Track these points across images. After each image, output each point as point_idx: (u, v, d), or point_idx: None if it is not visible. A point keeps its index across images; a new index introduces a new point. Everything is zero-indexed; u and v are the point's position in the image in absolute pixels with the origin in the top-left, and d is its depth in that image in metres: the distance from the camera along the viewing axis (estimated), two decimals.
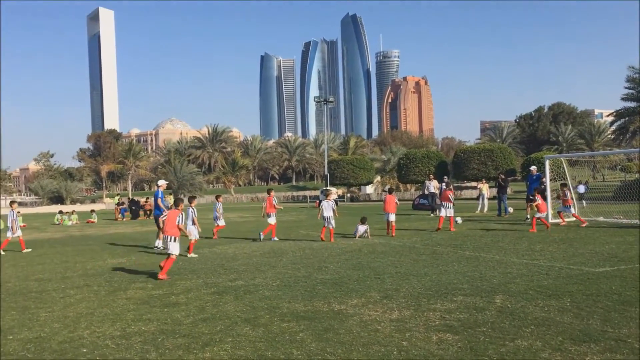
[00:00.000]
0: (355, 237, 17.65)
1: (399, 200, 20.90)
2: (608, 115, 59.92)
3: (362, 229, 17.79)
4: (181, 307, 8.45)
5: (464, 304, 7.97)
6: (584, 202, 22.86)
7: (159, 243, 16.98)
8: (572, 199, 20.31)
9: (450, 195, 19.52)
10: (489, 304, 7.87)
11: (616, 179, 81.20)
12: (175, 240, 11.55)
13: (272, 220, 18.06)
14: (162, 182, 18.08)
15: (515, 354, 5.72)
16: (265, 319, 7.50)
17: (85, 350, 6.46)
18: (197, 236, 15.61)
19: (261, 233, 18.06)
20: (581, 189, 30.75)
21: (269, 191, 18.96)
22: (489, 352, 5.81)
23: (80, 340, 6.91)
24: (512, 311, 7.43)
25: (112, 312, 8.33)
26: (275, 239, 17.92)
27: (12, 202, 18.63)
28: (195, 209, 15.82)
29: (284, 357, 5.89)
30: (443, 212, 19.32)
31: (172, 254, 11.50)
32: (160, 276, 11.15)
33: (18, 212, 19.05)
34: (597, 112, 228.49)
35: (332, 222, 17.14)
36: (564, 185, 20.37)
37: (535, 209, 18.29)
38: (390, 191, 19.51)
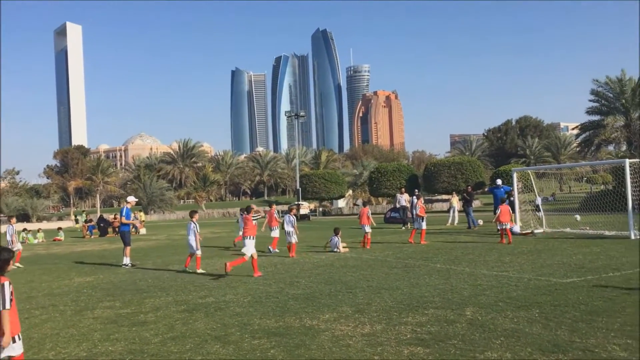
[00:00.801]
0: (332, 249, 17.64)
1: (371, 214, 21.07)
2: (573, 129, 61.23)
3: (335, 240, 17.82)
4: (150, 326, 8.30)
5: (435, 316, 8.00)
6: (540, 213, 23.71)
7: (126, 260, 16.70)
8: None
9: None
10: (460, 317, 7.91)
11: (582, 190, 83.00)
12: (251, 239, 12.99)
13: (275, 234, 18.94)
14: (132, 199, 17.77)
15: None
16: (236, 336, 7.41)
17: None
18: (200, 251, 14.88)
19: (270, 247, 18.70)
20: (538, 200, 31.29)
21: (270, 205, 19.83)
22: None
23: None
24: (482, 323, 7.48)
25: (79, 333, 8.13)
26: (276, 250, 18.54)
27: (11, 217, 19.76)
28: (197, 223, 14.92)
29: None
30: (424, 225, 19.60)
31: (248, 255, 12.93)
32: (255, 275, 12.69)
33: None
34: (562, 125, 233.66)
35: (294, 236, 17.09)
36: None
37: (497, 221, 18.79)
38: (364, 204, 20.13)
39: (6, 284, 4.96)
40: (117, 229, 36.64)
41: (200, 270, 14.34)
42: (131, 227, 17.41)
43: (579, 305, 8.24)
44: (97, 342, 7.54)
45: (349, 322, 7.89)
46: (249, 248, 12.91)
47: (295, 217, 17.99)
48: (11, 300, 4.95)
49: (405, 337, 6.97)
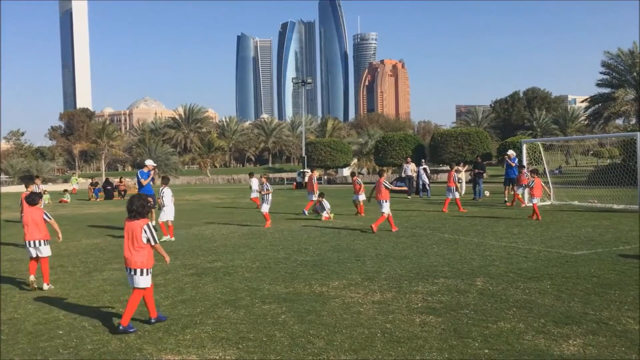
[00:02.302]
0: (321, 217, 17.79)
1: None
2: (583, 101, 60.52)
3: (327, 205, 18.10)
4: (159, 289, 8.28)
5: (446, 286, 7.96)
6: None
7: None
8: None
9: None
10: (470, 287, 7.87)
11: (589, 164, 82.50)
12: (386, 202, 14.35)
13: (311, 197, 19.51)
14: (150, 163, 16.54)
15: (499, 336, 5.72)
16: (246, 301, 7.39)
17: (61, 332, 6.29)
18: (172, 217, 14.38)
19: (305, 210, 19.33)
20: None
21: (312, 169, 21.13)
22: (472, 334, 5.80)
23: (55, 322, 6.72)
24: (494, 293, 7.44)
25: (89, 294, 8.14)
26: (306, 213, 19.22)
27: (37, 177, 21.15)
28: (170, 189, 14.65)
29: (267, 339, 5.80)
30: (456, 195, 19.65)
31: (387, 212, 14.29)
32: (393, 230, 14.24)
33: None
34: (570, 97, 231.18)
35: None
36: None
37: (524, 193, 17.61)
38: (352, 174, 21.47)
39: (150, 223, 6.44)
40: (122, 193, 36.72)
41: (170, 238, 13.82)
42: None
43: (590, 278, 8.18)
44: (107, 303, 7.54)
45: (358, 290, 7.87)
46: (386, 208, 14.36)
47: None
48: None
49: (416, 306, 6.94)
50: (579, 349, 5.32)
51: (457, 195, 19.76)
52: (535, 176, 17.26)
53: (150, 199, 6.66)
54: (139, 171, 16.34)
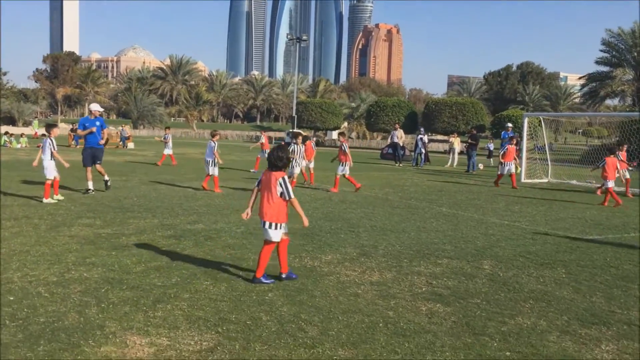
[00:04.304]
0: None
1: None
2: (579, 79, 59.60)
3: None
4: (132, 251, 7.42)
5: (450, 268, 7.19)
6: (491, 160, 23.56)
7: (89, 185, 13.33)
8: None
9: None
10: (478, 270, 7.10)
11: (577, 142, 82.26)
12: (345, 164, 15.24)
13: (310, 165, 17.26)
14: (95, 107, 13.96)
15: (519, 334, 4.95)
16: (228, 273, 6.56)
17: (12, 298, 5.41)
18: (57, 174, 12.04)
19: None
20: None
21: (305, 138, 17.43)
22: (488, 330, 5.03)
23: (7, 284, 5.83)
24: (505, 280, 6.68)
25: (51, 252, 7.24)
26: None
27: None
28: (54, 140, 11.95)
29: (251, 323, 4.98)
30: (512, 169, 18.04)
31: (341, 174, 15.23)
32: (332, 190, 14.91)
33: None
34: (562, 75, 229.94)
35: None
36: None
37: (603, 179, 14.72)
38: (306, 139, 17.97)
39: (286, 177, 6.16)
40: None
41: (56, 197, 11.82)
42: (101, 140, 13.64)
43: (608, 268, 7.45)
44: (71, 265, 6.66)
45: (354, 267, 7.06)
46: (346, 169, 15.24)
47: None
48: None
49: (420, 290, 6.15)
50: (614, 356, 4.58)
51: (513, 170, 18.01)
52: (613, 155, 14.47)
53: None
54: (81, 118, 14.07)
